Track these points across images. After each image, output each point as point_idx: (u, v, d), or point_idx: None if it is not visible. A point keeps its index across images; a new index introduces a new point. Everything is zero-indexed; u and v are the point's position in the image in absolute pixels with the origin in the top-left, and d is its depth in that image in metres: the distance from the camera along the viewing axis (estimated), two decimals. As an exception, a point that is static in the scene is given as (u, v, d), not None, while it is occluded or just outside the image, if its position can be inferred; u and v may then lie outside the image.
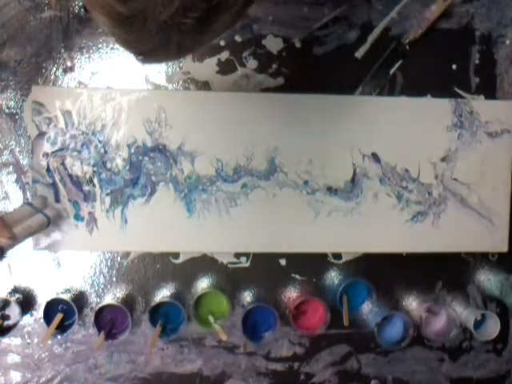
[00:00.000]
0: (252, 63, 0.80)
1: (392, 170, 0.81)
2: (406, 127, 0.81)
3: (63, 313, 0.75)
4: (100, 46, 0.79)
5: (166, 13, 0.38)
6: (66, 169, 0.77)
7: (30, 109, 0.77)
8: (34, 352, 0.80)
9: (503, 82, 0.84)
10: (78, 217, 0.77)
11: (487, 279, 0.85)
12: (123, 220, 0.78)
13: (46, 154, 0.77)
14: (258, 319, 0.78)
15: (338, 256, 0.83)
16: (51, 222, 0.75)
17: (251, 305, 0.77)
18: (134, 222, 0.78)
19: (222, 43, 0.80)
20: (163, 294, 0.80)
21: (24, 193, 0.79)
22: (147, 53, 0.44)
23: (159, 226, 0.78)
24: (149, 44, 0.42)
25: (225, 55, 0.80)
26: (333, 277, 0.83)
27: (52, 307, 0.75)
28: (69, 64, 0.78)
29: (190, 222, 0.79)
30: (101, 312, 0.76)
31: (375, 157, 0.81)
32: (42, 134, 0.77)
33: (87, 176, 0.77)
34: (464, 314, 0.81)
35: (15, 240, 0.65)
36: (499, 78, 0.84)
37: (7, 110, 0.78)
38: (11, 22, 0.77)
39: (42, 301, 0.78)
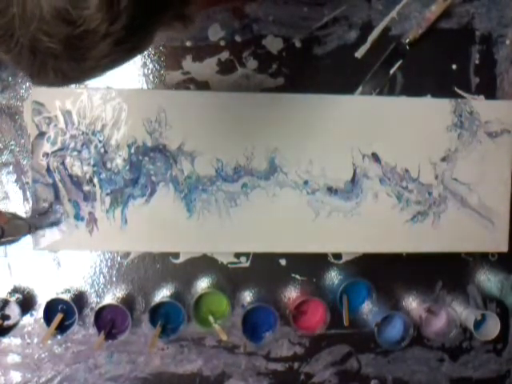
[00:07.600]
0: (252, 63, 0.80)
1: (392, 170, 0.81)
2: (405, 127, 0.81)
3: (63, 313, 0.75)
4: (100, 45, 0.79)
5: (26, 35, 0.37)
6: (66, 169, 0.77)
7: (29, 109, 0.77)
8: (33, 352, 0.80)
9: (503, 82, 0.84)
10: (78, 217, 0.77)
11: (487, 279, 0.85)
12: (123, 220, 0.78)
13: (46, 154, 0.77)
14: (258, 319, 0.78)
15: (338, 256, 0.83)
16: (32, 229, 0.75)
17: (251, 305, 0.77)
18: (133, 222, 0.78)
19: (222, 43, 0.80)
20: (163, 293, 0.79)
21: (24, 193, 0.79)
22: (31, 75, 0.43)
23: (159, 225, 0.78)
24: (29, 67, 0.41)
25: (225, 55, 0.80)
26: (333, 277, 0.83)
27: (52, 307, 0.75)
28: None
29: (189, 221, 0.79)
30: (101, 312, 0.76)
31: (375, 157, 0.81)
32: (42, 134, 0.77)
33: (87, 176, 0.77)
34: (464, 313, 0.81)
35: (6, 226, 0.66)
36: (499, 78, 0.84)
37: (7, 110, 0.78)
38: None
39: (42, 301, 0.78)
